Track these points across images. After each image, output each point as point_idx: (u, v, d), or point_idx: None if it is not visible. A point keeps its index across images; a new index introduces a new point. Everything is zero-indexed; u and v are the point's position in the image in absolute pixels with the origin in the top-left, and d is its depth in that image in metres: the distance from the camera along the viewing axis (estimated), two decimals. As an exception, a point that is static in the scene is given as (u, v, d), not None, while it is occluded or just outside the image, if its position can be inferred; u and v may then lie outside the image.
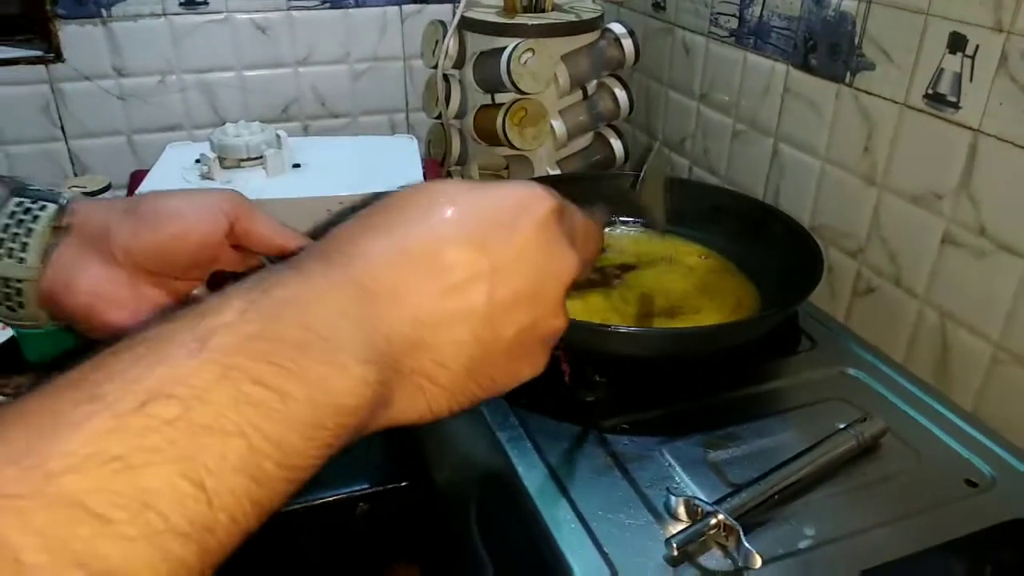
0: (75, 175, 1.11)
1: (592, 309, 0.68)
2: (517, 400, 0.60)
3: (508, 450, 0.55)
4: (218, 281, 0.49)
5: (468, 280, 0.29)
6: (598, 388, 0.62)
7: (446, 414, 0.31)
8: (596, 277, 0.74)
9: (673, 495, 0.50)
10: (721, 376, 0.64)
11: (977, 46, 0.63)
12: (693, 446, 0.56)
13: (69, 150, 1.10)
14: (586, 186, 0.85)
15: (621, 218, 0.84)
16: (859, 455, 0.55)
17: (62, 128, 1.08)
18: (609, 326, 0.58)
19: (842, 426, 0.56)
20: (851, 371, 0.66)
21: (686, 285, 0.74)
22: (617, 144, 1.10)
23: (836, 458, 0.54)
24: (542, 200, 0.31)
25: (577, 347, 0.62)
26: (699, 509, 0.48)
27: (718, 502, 0.48)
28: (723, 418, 0.59)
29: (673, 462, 0.54)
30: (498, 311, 0.30)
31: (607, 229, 0.83)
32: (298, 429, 0.24)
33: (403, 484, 0.69)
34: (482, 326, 0.29)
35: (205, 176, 0.90)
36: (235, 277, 0.29)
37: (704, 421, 0.59)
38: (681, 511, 0.49)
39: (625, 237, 0.82)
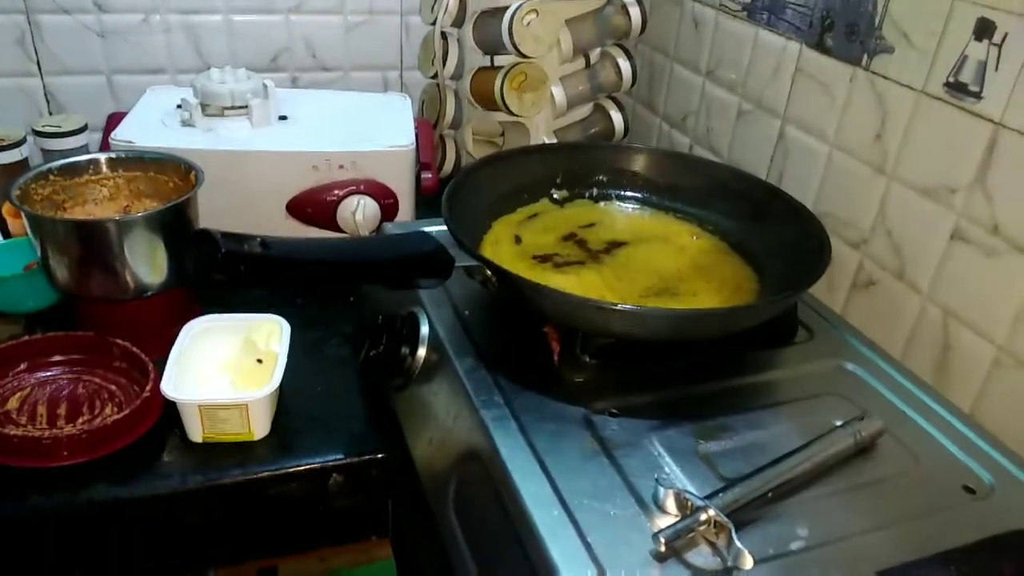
0: (50, 113, 1.06)
1: (586, 285, 0.65)
2: (503, 373, 0.57)
3: (491, 428, 0.53)
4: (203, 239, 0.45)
5: None
6: (588, 369, 0.59)
7: None
8: (580, 254, 0.71)
9: (662, 486, 0.47)
10: (715, 363, 0.62)
11: (1006, 34, 0.60)
12: (684, 435, 0.54)
13: (44, 87, 1.05)
14: (582, 156, 0.81)
15: (615, 192, 0.80)
16: (855, 455, 0.53)
17: (38, 63, 1.03)
18: (608, 303, 0.55)
19: (839, 423, 0.54)
20: (848, 366, 0.64)
21: (680, 265, 0.71)
22: (617, 117, 1.07)
23: (832, 457, 0.51)
24: None
25: (569, 324, 0.60)
26: (689, 503, 0.45)
27: (709, 497, 0.46)
28: (716, 407, 0.57)
29: (663, 451, 0.52)
30: None
31: (601, 203, 0.80)
32: None
33: (379, 456, 0.66)
34: None
35: (186, 123, 0.86)
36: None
37: (696, 409, 0.57)
38: (670, 504, 0.47)
39: (617, 212, 0.79)
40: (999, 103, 0.61)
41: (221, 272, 0.42)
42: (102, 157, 0.75)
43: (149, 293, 0.70)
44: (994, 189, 0.62)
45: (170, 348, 0.67)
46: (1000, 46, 0.61)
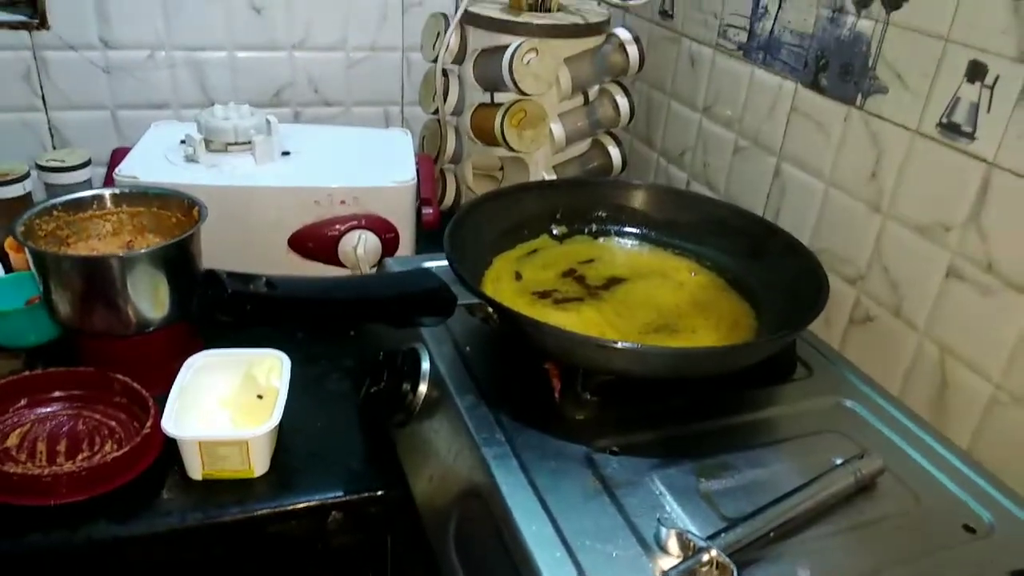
0: (54, 148, 1.07)
1: (586, 322, 0.66)
2: (504, 411, 0.58)
3: (492, 466, 0.53)
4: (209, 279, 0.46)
5: None
6: (589, 406, 0.60)
7: None
8: (580, 290, 0.71)
9: (664, 526, 0.47)
10: (715, 400, 0.62)
11: (997, 76, 0.61)
12: (685, 474, 0.54)
13: (49, 121, 1.06)
14: (581, 192, 0.82)
15: (614, 228, 0.81)
16: (856, 493, 0.53)
17: (43, 98, 1.04)
18: (609, 341, 0.55)
19: (839, 461, 0.54)
20: (847, 403, 0.64)
21: (678, 301, 0.71)
22: (615, 152, 1.08)
23: (833, 496, 0.52)
24: None
25: (570, 362, 0.60)
26: (691, 543, 0.45)
27: (711, 537, 0.46)
28: (716, 445, 0.57)
29: (664, 490, 0.52)
30: None
31: (600, 239, 0.80)
32: None
33: (379, 493, 0.66)
34: None
35: (190, 158, 0.87)
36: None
37: (697, 447, 0.57)
38: (672, 544, 0.47)
39: (616, 248, 0.80)
40: (992, 143, 0.62)
41: (227, 313, 0.43)
42: (106, 192, 0.76)
43: (151, 328, 0.71)
44: (988, 228, 0.63)
45: (171, 383, 0.67)
46: (992, 88, 0.62)
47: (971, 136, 0.64)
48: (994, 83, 0.62)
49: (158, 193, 0.77)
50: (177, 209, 0.76)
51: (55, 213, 0.73)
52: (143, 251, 0.69)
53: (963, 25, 0.64)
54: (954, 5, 0.64)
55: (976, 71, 0.63)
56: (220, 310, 0.43)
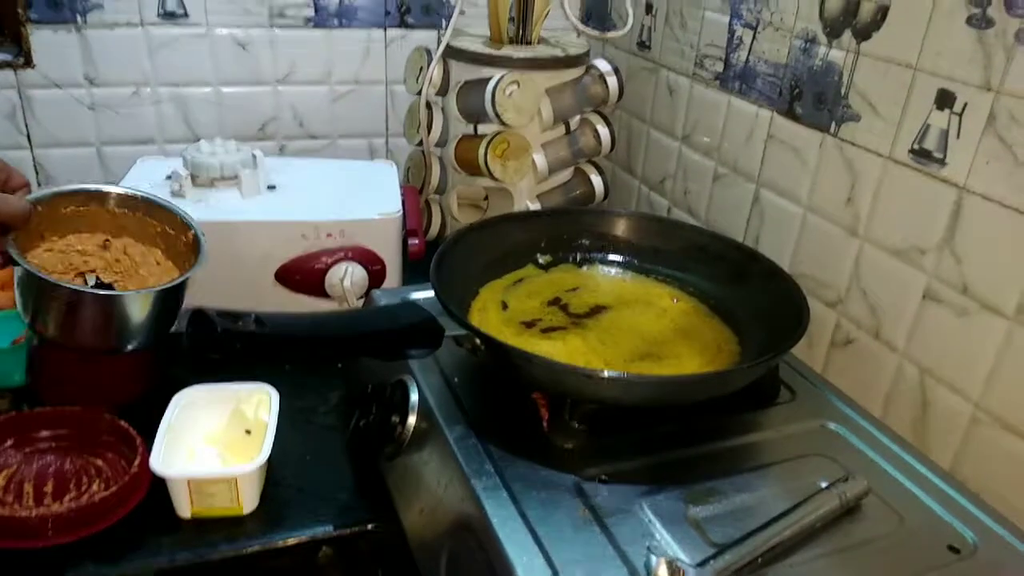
0: (39, 185, 1.07)
1: (572, 351, 0.67)
2: (493, 441, 0.58)
3: (482, 498, 0.53)
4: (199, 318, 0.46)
5: None
6: (577, 435, 0.60)
7: None
8: (565, 319, 0.72)
9: (654, 554, 0.48)
10: (701, 426, 0.63)
11: (965, 104, 0.63)
12: (673, 500, 0.54)
13: (34, 158, 1.06)
14: (564, 221, 0.83)
15: (598, 256, 0.82)
16: (841, 516, 0.54)
17: (28, 136, 1.05)
18: (596, 371, 0.56)
19: (824, 484, 0.55)
20: (831, 425, 0.65)
21: (661, 328, 0.72)
22: (597, 180, 1.10)
23: (819, 519, 0.52)
24: None
25: (557, 391, 0.61)
26: (681, 571, 0.46)
27: (701, 564, 0.47)
28: (704, 471, 0.58)
29: (653, 517, 0.53)
30: None
31: (584, 267, 0.81)
32: None
33: (369, 527, 0.66)
34: None
35: (176, 193, 0.87)
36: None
37: (684, 473, 0.57)
38: (662, 572, 0.47)
39: (600, 276, 0.81)
40: (962, 169, 0.64)
41: (217, 351, 0.43)
42: (92, 187, 0.70)
43: (130, 348, 0.65)
44: (962, 250, 0.65)
45: (136, 394, 0.67)
46: (960, 115, 0.64)
47: (942, 162, 0.66)
48: (962, 110, 0.63)
49: (150, 200, 0.71)
50: (166, 222, 0.71)
51: (37, 208, 0.64)
52: (155, 290, 0.64)
53: (931, 55, 0.66)
54: (921, 35, 0.66)
55: (944, 99, 0.65)
56: (210, 348, 0.43)
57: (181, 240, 0.71)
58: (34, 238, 0.68)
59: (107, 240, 0.71)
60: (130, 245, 0.71)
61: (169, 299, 0.67)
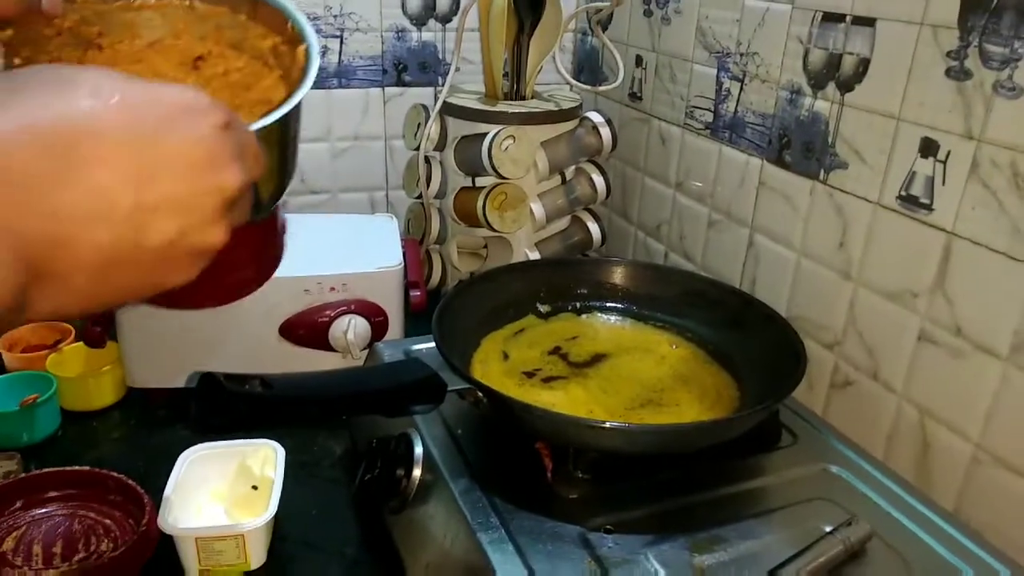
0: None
1: (574, 400, 0.68)
2: (498, 493, 0.59)
3: (488, 552, 0.53)
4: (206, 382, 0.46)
5: (110, 178, 0.27)
6: (581, 484, 0.61)
7: (76, 315, 0.30)
8: (565, 368, 0.73)
9: (660, 604, 0.48)
10: (704, 473, 0.63)
11: (949, 152, 0.65)
12: (679, 549, 0.55)
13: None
14: (563, 271, 0.85)
15: (597, 304, 0.84)
16: (846, 561, 0.54)
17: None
18: (598, 421, 0.57)
19: (828, 529, 0.56)
20: (833, 468, 0.65)
21: (661, 375, 0.73)
22: (594, 227, 1.12)
23: (823, 565, 0.53)
24: (208, 111, 0.30)
25: (560, 442, 0.61)
26: (688, 621, 0.46)
27: (707, 613, 0.47)
28: (708, 518, 0.58)
29: (659, 567, 0.53)
30: (142, 215, 0.28)
31: (584, 316, 0.83)
32: None
33: (376, 582, 0.66)
34: (124, 229, 0.27)
35: (181, 253, 0.89)
36: None
37: (688, 521, 0.58)
38: (669, 622, 0.47)
39: (599, 324, 0.82)
40: (949, 214, 0.66)
41: (225, 415, 0.44)
42: None
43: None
44: (953, 293, 0.66)
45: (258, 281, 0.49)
46: (945, 163, 0.66)
47: (929, 207, 0.67)
48: (946, 158, 0.65)
49: None
50: (275, 29, 0.46)
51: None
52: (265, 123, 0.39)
53: (913, 105, 0.68)
54: (902, 87, 0.68)
55: (928, 147, 0.67)
56: (217, 413, 0.44)
57: (295, 62, 0.45)
58: (83, 47, 0.45)
59: (199, 59, 0.47)
60: (232, 60, 0.47)
61: (290, 133, 0.44)
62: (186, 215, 0.29)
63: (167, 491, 0.66)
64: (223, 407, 0.46)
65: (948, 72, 0.64)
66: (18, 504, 0.69)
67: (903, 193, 0.70)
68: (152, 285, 0.30)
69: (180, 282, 0.31)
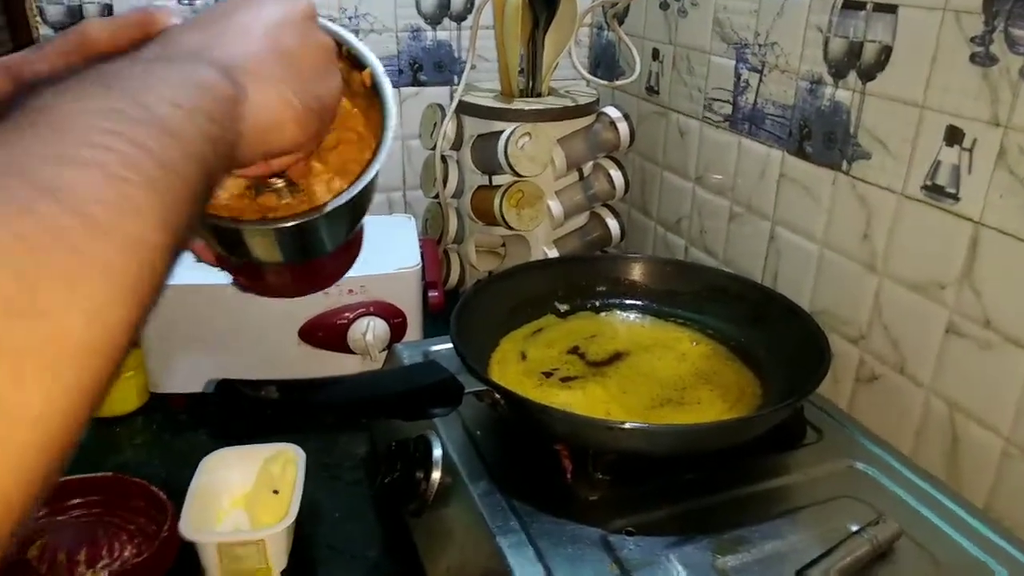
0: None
1: (593, 400, 0.67)
2: (518, 495, 0.58)
3: (508, 556, 0.53)
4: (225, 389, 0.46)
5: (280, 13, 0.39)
6: (601, 486, 0.60)
7: (297, 113, 0.37)
8: (584, 367, 0.72)
9: (683, 608, 0.47)
10: (727, 472, 0.62)
11: (975, 139, 0.63)
12: (702, 551, 0.54)
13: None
14: (581, 268, 0.84)
15: (616, 301, 0.83)
16: (874, 560, 0.53)
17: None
18: (617, 422, 0.56)
19: (855, 528, 0.54)
20: (860, 465, 0.64)
21: (682, 372, 0.72)
22: (613, 223, 1.11)
23: (851, 565, 0.51)
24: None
25: (579, 443, 0.61)
26: (711, 625, 0.45)
27: (731, 617, 0.46)
28: (731, 519, 0.57)
29: (681, 569, 0.52)
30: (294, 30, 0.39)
31: (603, 313, 0.82)
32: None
33: (397, 585, 0.66)
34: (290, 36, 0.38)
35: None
36: None
37: (711, 522, 0.57)
38: (692, 626, 0.47)
39: (618, 322, 0.81)
40: (976, 203, 0.64)
41: (244, 420, 0.44)
42: None
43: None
44: (981, 284, 0.64)
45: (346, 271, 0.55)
46: (971, 151, 0.64)
47: (955, 197, 0.66)
48: (972, 146, 0.64)
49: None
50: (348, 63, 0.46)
51: None
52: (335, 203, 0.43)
53: (937, 92, 0.66)
54: (926, 74, 0.67)
55: (954, 135, 0.65)
56: (237, 417, 0.44)
57: (362, 92, 0.46)
58: None
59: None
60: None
61: (368, 192, 0.45)
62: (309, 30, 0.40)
63: (188, 497, 0.66)
64: (242, 412, 0.46)
65: (973, 58, 0.62)
66: (42, 512, 0.69)
67: (928, 183, 0.68)
68: (325, 88, 0.40)
69: (334, 86, 0.41)
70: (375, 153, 0.44)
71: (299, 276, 0.51)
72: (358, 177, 0.44)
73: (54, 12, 1.02)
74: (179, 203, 0.27)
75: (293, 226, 0.42)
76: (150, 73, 0.30)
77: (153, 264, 0.25)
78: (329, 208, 0.43)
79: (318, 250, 0.46)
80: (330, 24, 0.45)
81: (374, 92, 0.45)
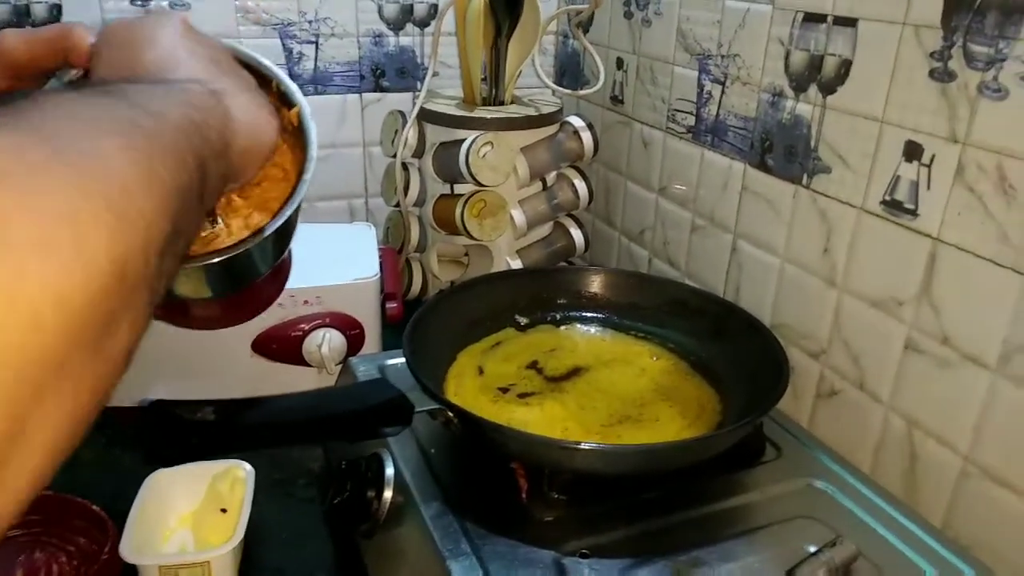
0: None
1: (550, 417, 0.65)
2: (471, 517, 0.56)
3: (459, 581, 0.51)
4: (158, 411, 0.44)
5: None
6: (557, 505, 0.59)
7: (269, 110, 0.41)
8: (542, 383, 0.71)
9: (636, 636, 0.46)
10: (684, 491, 0.61)
11: (933, 155, 0.63)
12: (658, 573, 0.53)
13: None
14: (542, 280, 0.83)
15: (576, 314, 0.82)
16: (831, 583, 0.52)
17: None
18: (572, 443, 0.55)
19: (812, 550, 0.54)
20: (818, 484, 0.64)
21: (641, 388, 0.71)
22: (577, 233, 1.09)
23: (807, 589, 0.51)
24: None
25: (534, 463, 0.59)
26: (664, 654, 0.44)
27: (684, 645, 0.45)
28: (688, 540, 0.56)
29: (636, 594, 0.51)
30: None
31: (563, 327, 0.81)
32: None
33: (347, 609, 0.64)
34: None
35: (149, 267, 0.86)
36: None
37: (668, 543, 0.56)
38: (645, 655, 0.45)
39: (578, 336, 0.80)
40: (935, 219, 0.64)
41: (176, 446, 0.42)
42: None
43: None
44: (939, 301, 0.64)
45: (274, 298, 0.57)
46: (929, 167, 0.64)
47: (914, 213, 0.65)
48: (931, 162, 0.63)
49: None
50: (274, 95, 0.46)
51: None
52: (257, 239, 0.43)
53: (896, 107, 0.66)
54: (885, 89, 0.66)
55: (913, 151, 0.65)
56: (170, 443, 0.42)
57: (290, 129, 0.45)
58: None
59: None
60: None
61: (290, 225, 0.44)
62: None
63: (130, 517, 0.64)
64: (174, 436, 0.43)
65: (932, 73, 0.62)
66: (-24, 533, 0.66)
67: (887, 198, 0.68)
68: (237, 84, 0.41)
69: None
70: (293, 191, 0.44)
71: (226, 308, 0.53)
72: (276, 214, 0.43)
73: (0, 12, 0.99)
74: (183, 191, 0.29)
75: (219, 261, 0.41)
76: (149, 91, 0.33)
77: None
78: (253, 242, 0.42)
79: (245, 281, 0.47)
80: (263, 59, 0.45)
81: (300, 131, 0.45)
